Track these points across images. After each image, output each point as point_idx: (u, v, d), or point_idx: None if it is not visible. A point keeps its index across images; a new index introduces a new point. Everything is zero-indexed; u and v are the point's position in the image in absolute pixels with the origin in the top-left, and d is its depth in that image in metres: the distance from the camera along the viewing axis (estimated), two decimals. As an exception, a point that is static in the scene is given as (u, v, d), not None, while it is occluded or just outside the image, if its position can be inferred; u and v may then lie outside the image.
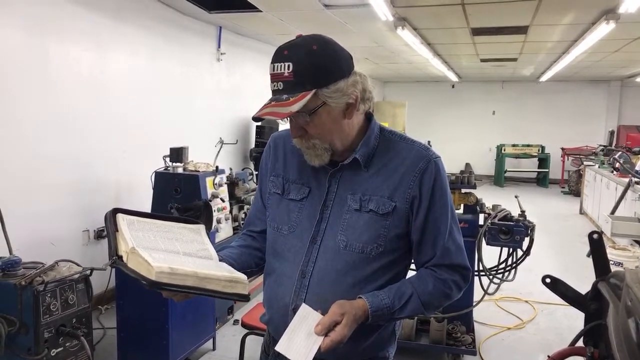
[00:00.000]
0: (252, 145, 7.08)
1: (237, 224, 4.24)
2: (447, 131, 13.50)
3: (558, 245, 6.69)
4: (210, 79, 6.11)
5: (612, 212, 5.59)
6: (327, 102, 1.21)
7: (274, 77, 1.20)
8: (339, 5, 4.98)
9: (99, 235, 4.27)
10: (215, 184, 3.88)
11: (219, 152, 5.83)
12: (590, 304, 1.17)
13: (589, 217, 8.41)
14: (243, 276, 1.21)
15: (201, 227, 1.39)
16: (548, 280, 1.24)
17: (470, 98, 13.59)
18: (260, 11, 5.14)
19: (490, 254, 3.53)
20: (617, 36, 6.26)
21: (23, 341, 2.37)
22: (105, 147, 4.35)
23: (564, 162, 12.16)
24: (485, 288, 3.49)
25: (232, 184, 4.29)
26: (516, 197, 3.69)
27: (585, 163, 9.35)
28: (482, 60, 9.11)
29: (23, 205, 3.55)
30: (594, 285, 1.15)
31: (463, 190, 3.53)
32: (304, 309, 1.21)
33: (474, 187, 3.52)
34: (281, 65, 1.18)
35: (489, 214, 3.44)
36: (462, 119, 13.63)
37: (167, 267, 1.10)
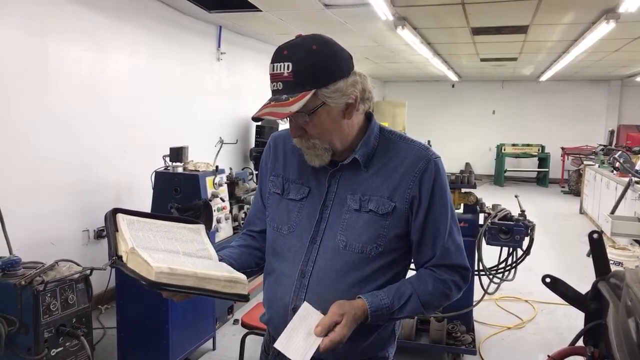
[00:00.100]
0: (252, 144, 7.08)
1: (237, 223, 4.24)
2: (447, 131, 13.49)
3: (558, 245, 6.69)
4: (210, 79, 6.11)
5: (612, 212, 5.59)
6: (327, 102, 1.20)
7: (274, 77, 1.19)
8: (339, 5, 4.97)
9: (99, 235, 4.27)
10: (215, 184, 3.88)
11: (218, 151, 5.83)
12: (590, 304, 1.17)
13: (589, 216, 8.41)
14: (242, 276, 1.21)
15: (201, 227, 1.39)
16: (548, 280, 1.24)
17: (470, 98, 13.59)
18: (260, 11, 5.14)
19: (490, 254, 3.53)
20: (617, 36, 6.26)
21: (23, 341, 2.38)
22: (105, 146, 4.35)
23: (564, 161, 12.16)
24: (485, 288, 3.49)
25: (232, 183, 4.29)
26: (516, 196, 3.69)
27: (585, 162, 9.35)
28: (482, 60, 9.11)
29: (23, 205, 3.55)
30: (594, 285, 1.15)
31: (463, 190, 3.53)
32: (305, 308, 1.21)
33: (474, 186, 3.52)
34: (281, 65, 1.17)
35: (489, 214, 3.44)
36: (462, 119, 13.63)
37: (166, 268, 1.10)
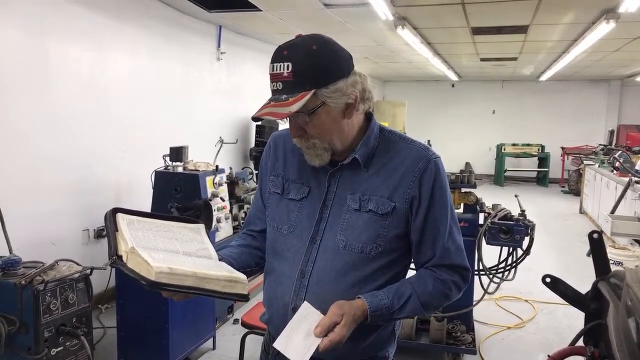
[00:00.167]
0: (252, 144, 7.08)
1: (237, 223, 4.24)
2: (447, 130, 13.50)
3: (558, 245, 6.69)
4: (210, 79, 6.11)
5: (612, 212, 5.59)
6: (327, 102, 1.20)
7: (274, 77, 1.19)
8: (339, 5, 4.97)
9: (99, 234, 4.27)
10: (215, 184, 3.88)
11: (218, 151, 5.82)
12: (591, 304, 1.17)
13: (589, 216, 8.41)
14: (242, 276, 1.21)
15: (201, 227, 1.39)
16: (548, 279, 1.24)
17: (470, 97, 13.59)
18: (260, 10, 5.14)
19: (490, 254, 3.53)
20: (617, 35, 6.26)
21: (23, 340, 2.38)
22: (105, 146, 4.35)
23: (563, 161, 12.16)
24: (485, 287, 3.49)
25: (232, 183, 4.29)
26: (516, 196, 3.69)
27: (585, 162, 9.35)
28: (482, 60, 9.11)
29: (23, 205, 3.55)
30: (594, 285, 1.15)
31: (463, 190, 3.53)
32: (306, 308, 1.21)
33: (474, 186, 3.52)
34: (280, 65, 1.17)
35: (489, 214, 3.43)
36: (462, 118, 13.63)
37: (166, 267, 1.10)
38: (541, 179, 12.71)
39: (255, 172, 6.08)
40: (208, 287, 1.15)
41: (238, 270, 1.26)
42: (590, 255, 1.18)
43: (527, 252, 3.40)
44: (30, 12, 3.60)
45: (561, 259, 6.05)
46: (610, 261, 3.47)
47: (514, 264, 3.47)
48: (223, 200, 3.99)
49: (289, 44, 1.20)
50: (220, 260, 1.30)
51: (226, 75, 6.46)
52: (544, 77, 11.55)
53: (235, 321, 4.00)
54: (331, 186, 1.33)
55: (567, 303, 1.23)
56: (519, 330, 4.07)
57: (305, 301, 1.24)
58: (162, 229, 1.30)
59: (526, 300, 4.63)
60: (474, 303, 3.50)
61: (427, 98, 13.77)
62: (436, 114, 13.76)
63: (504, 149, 12.48)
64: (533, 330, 4.09)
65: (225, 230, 4.04)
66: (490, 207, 3.54)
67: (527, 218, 3.38)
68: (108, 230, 1.24)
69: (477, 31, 6.32)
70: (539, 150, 12.47)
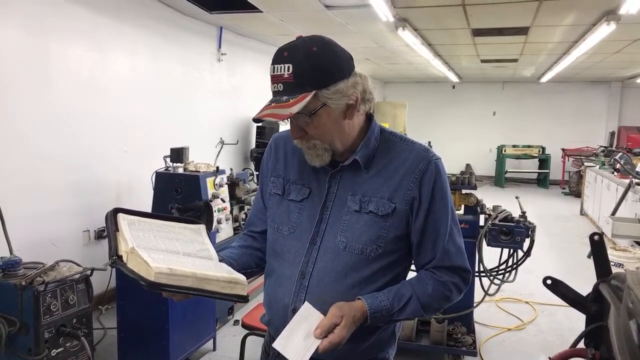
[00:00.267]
0: (253, 145, 7.08)
1: (237, 224, 4.23)
2: (448, 132, 13.49)
3: (559, 247, 6.68)
4: (210, 80, 6.12)
5: (613, 213, 5.59)
6: (327, 103, 1.21)
7: (274, 79, 1.20)
8: (340, 6, 4.98)
9: (99, 235, 4.27)
10: (216, 185, 3.88)
11: (219, 152, 5.83)
12: (592, 306, 1.17)
13: (589, 218, 8.41)
14: (242, 277, 1.21)
15: (202, 227, 1.39)
16: (549, 281, 1.24)
17: (471, 99, 13.59)
18: (261, 12, 5.14)
19: (491, 255, 3.53)
20: (618, 37, 6.26)
21: (23, 341, 2.37)
22: (105, 147, 4.35)
23: (564, 163, 12.16)
24: (485, 289, 3.49)
25: (233, 184, 4.28)
26: (517, 198, 3.69)
27: (585, 164, 9.35)
28: (483, 61, 9.11)
29: (24, 205, 3.55)
30: (595, 287, 1.15)
31: (463, 191, 3.53)
32: (306, 309, 1.21)
33: (475, 188, 3.52)
34: (281, 67, 1.18)
35: (490, 215, 3.43)
36: (463, 120, 13.63)
37: (165, 268, 1.10)
38: (542, 181, 12.70)
39: (255, 173, 6.09)
40: (208, 287, 1.15)
41: (238, 271, 1.26)
42: (591, 257, 1.18)
43: (527, 253, 3.40)
44: (31, 12, 3.61)
45: (562, 260, 6.05)
46: (611, 263, 3.47)
47: (515, 266, 3.47)
48: (224, 201, 3.99)
49: (290, 45, 1.20)
50: (220, 261, 1.30)
51: (227, 76, 6.47)
52: (544, 79, 11.56)
53: (236, 322, 3.99)
54: (331, 187, 1.33)
55: (568, 305, 1.23)
56: (519, 332, 4.07)
57: (306, 301, 1.24)
58: (162, 229, 1.30)
59: (527, 302, 4.62)
60: (475, 305, 3.50)
61: (428, 99, 13.77)
62: (437, 115, 13.76)
63: (505, 151, 12.49)
64: (534, 332, 4.09)
65: (225, 231, 4.04)
66: (491, 208, 3.53)
67: (528, 220, 3.38)
68: (109, 230, 1.24)
69: (477, 33, 6.32)
70: (539, 151, 12.47)
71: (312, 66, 1.17)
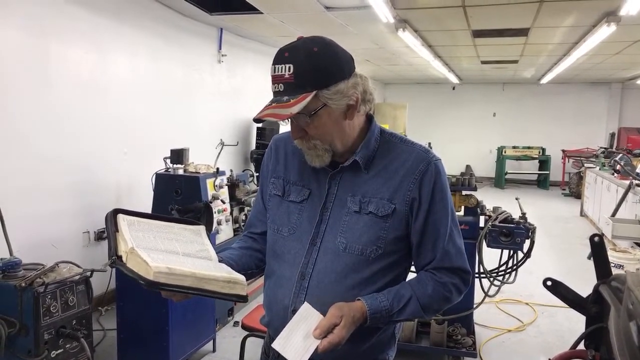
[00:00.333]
0: (253, 146, 7.08)
1: (237, 225, 4.23)
2: (448, 133, 13.50)
3: (559, 248, 6.68)
4: (211, 81, 6.12)
5: (613, 215, 5.59)
6: (328, 103, 1.21)
7: (275, 79, 1.20)
8: (340, 7, 4.98)
9: (99, 236, 4.27)
10: (216, 186, 3.88)
11: (219, 153, 5.84)
12: (592, 307, 1.17)
13: (589, 219, 8.40)
14: (241, 277, 1.21)
15: (201, 228, 1.39)
16: (549, 282, 1.23)
17: (471, 100, 13.60)
18: (261, 13, 5.15)
19: (491, 256, 3.53)
20: (618, 38, 6.26)
21: (23, 343, 2.37)
22: (105, 148, 4.35)
23: (564, 164, 12.16)
24: (485, 290, 3.49)
25: (233, 185, 4.28)
26: (517, 199, 3.69)
27: (586, 165, 9.35)
28: (483, 63, 9.11)
29: (23, 207, 3.55)
30: (595, 288, 1.15)
31: (464, 192, 3.53)
32: (306, 309, 1.21)
33: (475, 189, 3.52)
34: (282, 67, 1.18)
35: (490, 216, 3.43)
36: (463, 121, 13.63)
37: (165, 267, 1.10)
38: (542, 182, 12.70)
39: (256, 174, 6.08)
40: (207, 287, 1.15)
41: (238, 272, 1.26)
42: (591, 259, 1.18)
43: (527, 255, 3.40)
44: (31, 13, 3.61)
45: (562, 262, 6.04)
46: (611, 264, 3.47)
47: (515, 267, 3.47)
48: (223, 202, 3.99)
49: (291, 46, 1.21)
50: (220, 262, 1.30)
51: (227, 77, 6.47)
52: (544, 80, 11.56)
53: (236, 323, 3.99)
54: (331, 188, 1.33)
55: (568, 306, 1.22)
56: (519, 333, 4.06)
57: (305, 302, 1.24)
58: (162, 230, 1.30)
59: (527, 303, 4.62)
60: (475, 306, 3.50)
61: (428, 100, 13.78)
62: (437, 116, 13.77)
63: (505, 152, 12.49)
64: (534, 333, 4.08)
65: (225, 232, 4.04)
66: (491, 209, 3.53)
67: (528, 221, 3.38)
68: (108, 230, 1.24)
69: (478, 34, 6.32)
70: (539, 152, 12.48)
71: (313, 67, 1.18)
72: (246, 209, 4.38)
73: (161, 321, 3.05)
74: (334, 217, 1.31)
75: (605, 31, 5.42)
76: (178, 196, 3.72)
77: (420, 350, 3.44)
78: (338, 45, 1.25)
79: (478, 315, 3.92)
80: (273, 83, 1.21)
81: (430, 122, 13.61)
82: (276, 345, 1.17)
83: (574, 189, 10.95)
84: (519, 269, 3.49)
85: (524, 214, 3.42)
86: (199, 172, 3.83)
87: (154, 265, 1.09)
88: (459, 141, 13.44)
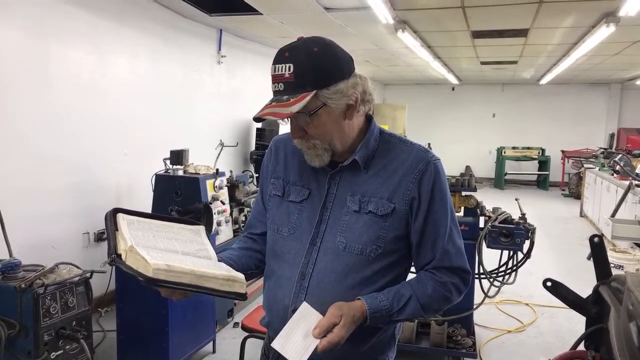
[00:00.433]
0: (253, 147, 7.08)
1: (237, 226, 4.23)
2: (447, 133, 13.51)
3: (559, 248, 6.68)
4: (210, 82, 6.12)
5: (613, 215, 5.59)
6: (328, 103, 1.21)
7: (275, 78, 1.21)
8: (340, 8, 4.98)
9: (99, 237, 4.27)
10: (216, 187, 3.88)
11: (219, 154, 5.83)
12: (592, 308, 1.17)
13: (589, 219, 8.40)
14: (240, 275, 1.21)
15: (201, 228, 1.39)
16: (549, 283, 1.23)
17: (471, 100, 13.60)
18: (261, 14, 5.15)
19: (491, 257, 3.53)
20: (618, 39, 6.27)
21: (23, 344, 2.37)
22: (105, 149, 4.35)
23: (564, 164, 12.16)
24: (485, 291, 3.49)
25: (233, 186, 4.28)
26: (516, 199, 3.69)
27: (585, 166, 9.35)
28: (482, 63, 9.12)
29: (23, 208, 3.54)
30: (595, 289, 1.15)
31: (463, 193, 3.53)
32: (305, 308, 1.21)
33: (474, 189, 3.52)
34: (282, 67, 1.19)
35: (490, 217, 3.43)
36: (462, 122, 13.64)
37: (163, 264, 1.10)
38: (541, 182, 12.71)
39: (255, 175, 6.08)
40: (206, 285, 1.15)
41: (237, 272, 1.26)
42: (591, 259, 1.18)
43: (527, 255, 3.40)
44: (31, 14, 3.61)
45: (562, 262, 6.04)
46: (611, 265, 3.47)
47: (515, 268, 3.47)
48: (223, 203, 3.99)
49: (291, 46, 1.21)
50: (219, 261, 1.30)
51: (226, 78, 6.47)
52: (544, 81, 11.57)
53: (236, 324, 3.99)
54: (331, 188, 1.33)
55: (568, 307, 1.22)
56: (519, 334, 4.06)
57: (305, 302, 1.24)
58: (162, 229, 1.31)
59: (527, 304, 4.62)
60: (475, 306, 3.50)
61: (428, 101, 13.79)
62: (436, 117, 13.77)
63: (504, 152, 12.50)
64: (534, 334, 4.08)
65: (225, 233, 4.04)
66: (491, 210, 3.53)
67: (528, 221, 3.38)
68: (108, 229, 1.24)
69: (477, 35, 6.33)
70: (539, 153, 12.48)
71: (312, 66, 1.18)
72: (246, 209, 4.38)
73: (161, 322, 3.05)
74: (333, 216, 1.31)
75: (605, 32, 5.42)
76: (178, 197, 3.72)
77: (420, 351, 3.44)
78: (338, 45, 1.25)
79: (478, 316, 3.91)
80: (273, 82, 1.22)
81: (429, 122, 13.62)
82: (276, 344, 1.17)
83: (573, 190, 10.95)
84: (519, 270, 3.49)
85: (523, 214, 3.42)
86: (199, 173, 3.83)
87: (153, 262, 1.09)
88: (459, 142, 13.44)
